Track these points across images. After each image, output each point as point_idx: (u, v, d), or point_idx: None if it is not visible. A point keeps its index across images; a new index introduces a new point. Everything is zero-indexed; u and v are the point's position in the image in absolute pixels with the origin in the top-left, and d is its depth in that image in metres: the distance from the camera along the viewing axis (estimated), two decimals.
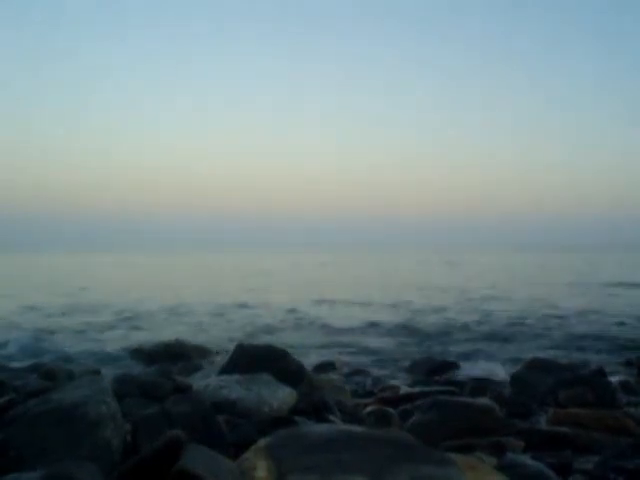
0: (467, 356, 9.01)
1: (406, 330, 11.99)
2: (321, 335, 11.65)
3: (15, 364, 7.83)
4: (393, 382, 6.85)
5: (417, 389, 6.15)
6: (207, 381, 4.67)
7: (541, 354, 8.27)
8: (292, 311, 15.44)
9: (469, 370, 7.60)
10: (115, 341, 10.67)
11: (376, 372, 7.78)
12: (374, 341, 10.66)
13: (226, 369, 5.06)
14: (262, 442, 2.66)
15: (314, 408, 4.49)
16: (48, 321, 13.62)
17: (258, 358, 5.13)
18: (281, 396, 4.39)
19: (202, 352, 9.05)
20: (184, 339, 9.81)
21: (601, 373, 5.70)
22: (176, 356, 8.60)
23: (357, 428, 2.98)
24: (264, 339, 10.15)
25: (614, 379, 6.18)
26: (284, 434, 2.74)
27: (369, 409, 5.08)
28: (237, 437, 3.42)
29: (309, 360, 7.86)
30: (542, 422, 4.87)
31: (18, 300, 18.24)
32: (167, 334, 10.89)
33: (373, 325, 12.74)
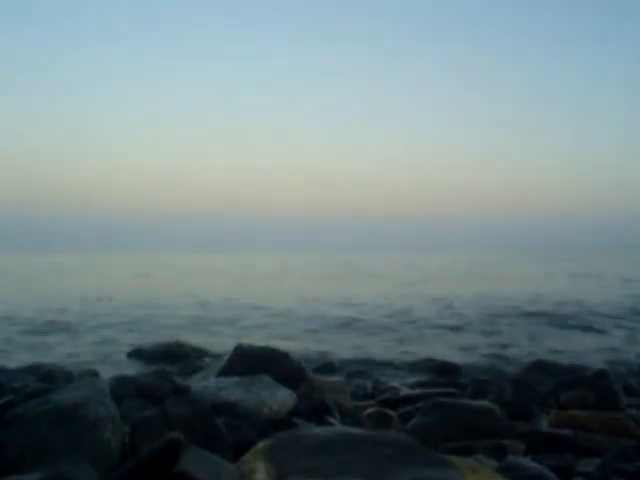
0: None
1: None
2: None
3: (13, 365, 7.80)
4: (393, 384, 6.82)
5: (417, 391, 6.13)
6: (206, 383, 4.64)
7: None
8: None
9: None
10: None
11: (376, 374, 7.76)
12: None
13: (225, 370, 5.03)
14: (261, 444, 2.64)
15: (314, 410, 4.47)
16: None
17: (257, 359, 5.10)
18: (281, 398, 4.37)
19: (201, 353, 9.04)
20: (183, 339, 9.80)
21: (603, 375, 5.68)
22: (175, 357, 8.61)
23: (357, 430, 2.96)
24: None
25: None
26: (284, 436, 2.72)
27: (369, 411, 5.07)
28: (236, 439, 3.41)
29: (308, 361, 7.84)
30: (543, 424, 4.86)
31: None
32: None
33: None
